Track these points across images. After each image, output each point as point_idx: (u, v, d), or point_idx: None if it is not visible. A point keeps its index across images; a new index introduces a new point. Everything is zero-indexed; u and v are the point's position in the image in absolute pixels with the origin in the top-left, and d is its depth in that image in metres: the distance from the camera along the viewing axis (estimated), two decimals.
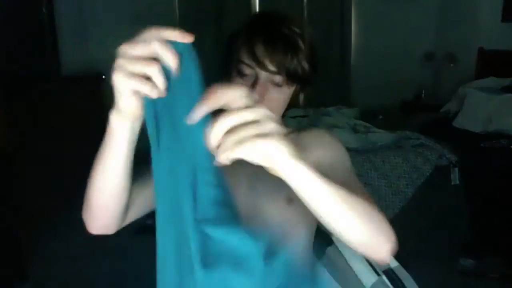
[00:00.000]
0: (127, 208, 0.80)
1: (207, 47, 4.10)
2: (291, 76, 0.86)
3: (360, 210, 0.64)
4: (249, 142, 0.50)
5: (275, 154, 0.52)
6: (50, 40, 3.44)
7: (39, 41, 3.39)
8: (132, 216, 0.85)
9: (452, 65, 3.94)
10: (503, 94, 2.93)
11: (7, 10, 2.97)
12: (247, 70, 0.86)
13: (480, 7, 3.68)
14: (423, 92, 4.10)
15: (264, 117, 0.52)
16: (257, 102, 0.69)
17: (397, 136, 2.57)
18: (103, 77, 3.63)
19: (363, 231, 0.65)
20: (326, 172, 0.67)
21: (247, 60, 0.86)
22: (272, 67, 0.85)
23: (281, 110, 0.92)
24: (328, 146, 0.93)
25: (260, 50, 0.85)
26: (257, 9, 4.12)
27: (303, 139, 0.94)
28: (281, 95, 0.89)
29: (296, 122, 2.94)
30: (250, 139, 0.50)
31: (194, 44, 0.55)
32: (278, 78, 0.86)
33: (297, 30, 0.87)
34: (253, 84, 0.85)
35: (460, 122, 3.02)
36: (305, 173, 0.56)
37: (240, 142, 0.50)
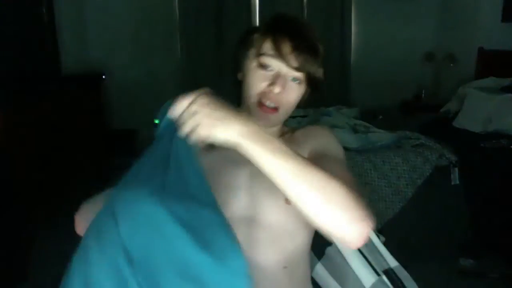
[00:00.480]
0: None
1: (207, 47, 4.11)
2: (309, 77, 0.91)
3: (317, 184, 0.66)
4: (206, 125, 0.65)
5: (228, 134, 0.65)
6: (50, 40, 3.44)
7: (39, 41, 3.39)
8: None
9: (452, 65, 3.94)
10: (503, 94, 2.92)
11: (7, 10, 2.96)
12: (270, 62, 0.89)
13: (480, 7, 3.68)
14: (423, 92, 4.10)
15: (215, 106, 0.66)
16: (278, 94, 0.85)
17: (397, 136, 2.57)
18: (103, 77, 3.63)
19: (322, 205, 0.66)
20: (317, 160, 0.74)
21: (270, 52, 0.89)
22: (295, 63, 0.88)
23: (293, 107, 0.95)
24: (321, 138, 0.95)
25: (285, 46, 0.88)
26: (257, 9, 4.13)
27: (299, 135, 0.97)
28: (297, 92, 0.92)
29: (296, 122, 2.94)
30: (207, 123, 0.65)
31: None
32: (298, 75, 0.90)
33: (316, 35, 0.92)
34: (275, 77, 0.89)
35: (460, 122, 3.01)
36: (256, 149, 0.65)
37: (200, 125, 0.65)
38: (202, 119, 0.65)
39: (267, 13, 4.07)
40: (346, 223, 0.67)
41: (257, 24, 4.14)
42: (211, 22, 4.10)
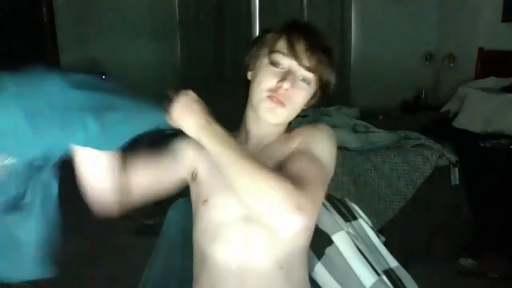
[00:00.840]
0: (127, 190, 0.88)
1: (207, 47, 4.11)
2: (320, 79, 0.91)
3: (249, 173, 0.76)
4: (177, 113, 0.81)
5: (189, 125, 0.80)
6: (50, 40, 3.45)
7: (39, 41, 3.39)
8: (137, 199, 0.91)
9: (452, 65, 3.94)
10: (503, 94, 2.92)
11: (7, 10, 2.97)
12: (282, 60, 0.90)
13: (480, 7, 3.67)
14: (423, 92, 4.10)
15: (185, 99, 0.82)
16: (286, 90, 0.89)
17: (397, 136, 2.57)
18: (103, 77, 3.63)
19: (253, 193, 0.76)
20: (293, 155, 0.88)
21: (284, 50, 0.89)
22: (307, 64, 0.89)
23: (302, 107, 0.95)
24: (306, 134, 0.96)
25: (299, 45, 0.89)
26: (257, 9, 4.13)
27: (295, 133, 0.98)
28: (305, 92, 0.92)
29: (297, 122, 2.93)
30: (179, 112, 0.81)
31: None
32: (308, 75, 0.90)
33: (331, 41, 0.93)
34: (285, 74, 0.89)
35: (460, 122, 3.01)
36: (207, 140, 0.79)
37: (174, 112, 0.81)
38: (177, 108, 0.80)
39: (267, 13, 4.08)
40: (276, 211, 0.74)
41: (257, 24, 4.14)
42: (211, 22, 4.10)
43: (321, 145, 0.92)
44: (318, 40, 0.91)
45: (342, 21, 4.17)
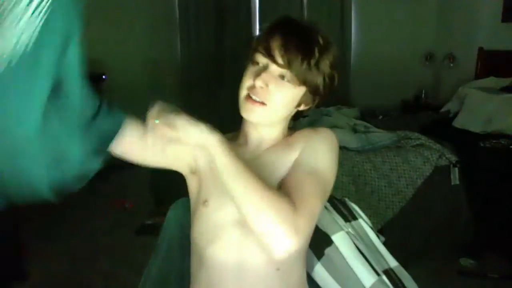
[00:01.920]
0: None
1: (207, 47, 4.11)
2: (298, 77, 0.90)
3: (258, 202, 0.77)
4: (179, 125, 0.79)
5: (203, 136, 0.79)
6: None
7: None
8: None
9: (452, 65, 3.94)
10: (503, 94, 2.92)
11: None
12: (259, 59, 0.91)
13: (480, 7, 3.68)
14: (423, 92, 4.10)
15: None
16: (262, 88, 0.90)
17: (397, 136, 2.56)
18: (103, 77, 3.63)
19: (252, 212, 0.77)
20: (293, 167, 0.89)
21: (260, 49, 0.91)
22: (280, 61, 0.89)
23: (286, 107, 0.94)
24: (307, 143, 0.94)
25: (275, 43, 0.90)
26: (257, 9, 4.13)
27: (294, 138, 0.97)
28: (285, 90, 0.91)
29: (297, 122, 2.94)
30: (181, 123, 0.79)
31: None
32: (285, 73, 0.90)
33: (320, 41, 0.91)
34: (259, 72, 0.90)
35: (460, 122, 3.01)
36: (217, 157, 0.79)
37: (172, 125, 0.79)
38: (174, 120, 0.78)
39: (267, 13, 4.08)
40: (273, 234, 0.76)
41: (257, 24, 4.15)
42: (211, 21, 4.10)
43: (322, 155, 0.91)
44: (296, 36, 0.90)
45: (342, 21, 4.17)
